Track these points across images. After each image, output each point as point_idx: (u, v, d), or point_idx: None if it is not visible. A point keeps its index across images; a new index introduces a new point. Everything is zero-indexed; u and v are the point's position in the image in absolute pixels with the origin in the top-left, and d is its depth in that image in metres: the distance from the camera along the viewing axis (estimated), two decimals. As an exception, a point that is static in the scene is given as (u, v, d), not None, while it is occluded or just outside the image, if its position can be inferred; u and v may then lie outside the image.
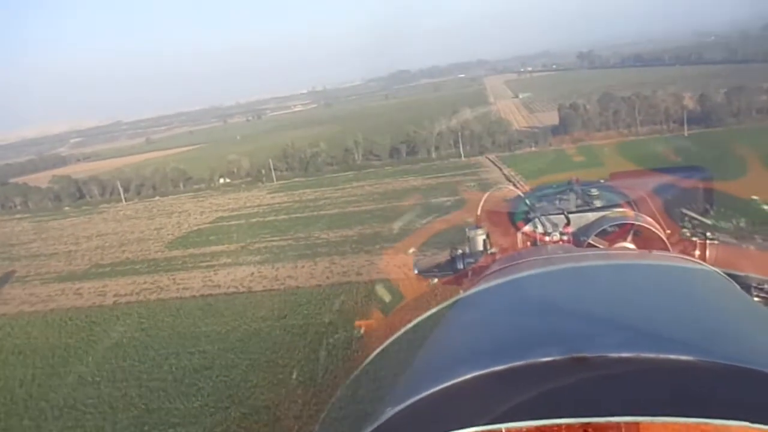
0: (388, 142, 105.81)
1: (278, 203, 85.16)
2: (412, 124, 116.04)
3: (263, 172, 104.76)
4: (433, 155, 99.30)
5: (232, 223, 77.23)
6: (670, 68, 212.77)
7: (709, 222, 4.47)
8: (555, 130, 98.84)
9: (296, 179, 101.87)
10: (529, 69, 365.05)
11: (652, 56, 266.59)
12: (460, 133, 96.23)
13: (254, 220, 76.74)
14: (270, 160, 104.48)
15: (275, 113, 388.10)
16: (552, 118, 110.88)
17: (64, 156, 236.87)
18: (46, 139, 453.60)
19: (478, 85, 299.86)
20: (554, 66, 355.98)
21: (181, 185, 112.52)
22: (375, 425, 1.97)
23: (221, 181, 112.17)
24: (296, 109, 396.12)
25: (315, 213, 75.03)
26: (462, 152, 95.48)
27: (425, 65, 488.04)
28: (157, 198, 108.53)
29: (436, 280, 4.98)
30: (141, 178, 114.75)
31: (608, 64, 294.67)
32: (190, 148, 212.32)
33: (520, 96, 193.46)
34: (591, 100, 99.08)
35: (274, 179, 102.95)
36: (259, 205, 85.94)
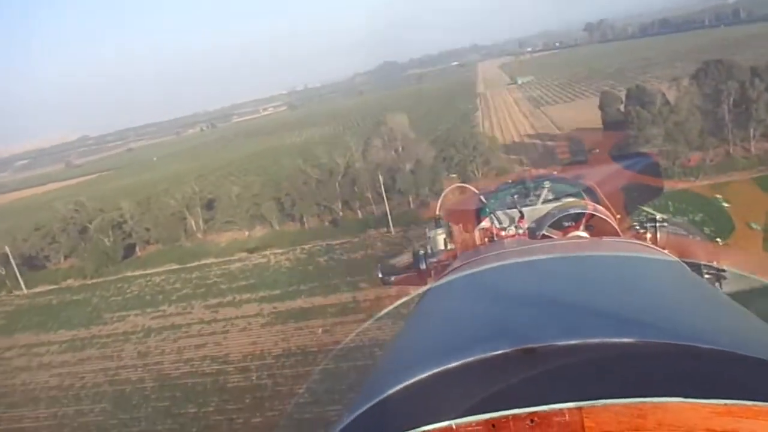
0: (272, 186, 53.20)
1: None
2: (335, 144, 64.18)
3: (4, 272, 51.51)
4: (339, 213, 46.62)
5: None
6: (716, 30, 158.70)
7: (657, 216, 4.41)
8: (600, 145, 45.62)
9: (65, 284, 49.06)
10: (528, 49, 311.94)
11: (682, 20, 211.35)
12: (380, 176, 42.92)
13: None
14: (8, 252, 50.67)
15: (241, 119, 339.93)
16: (573, 116, 59.04)
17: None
18: (13, 158, 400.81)
19: (467, 72, 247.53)
20: (557, 44, 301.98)
21: None
22: None
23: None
24: (266, 113, 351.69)
25: None
26: (390, 216, 42.31)
27: (416, 55, 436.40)
28: None
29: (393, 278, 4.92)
30: None
31: (625, 35, 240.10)
32: (87, 178, 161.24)
33: (519, 81, 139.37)
34: (679, 81, 44.71)
35: (23, 285, 50.03)
36: None
